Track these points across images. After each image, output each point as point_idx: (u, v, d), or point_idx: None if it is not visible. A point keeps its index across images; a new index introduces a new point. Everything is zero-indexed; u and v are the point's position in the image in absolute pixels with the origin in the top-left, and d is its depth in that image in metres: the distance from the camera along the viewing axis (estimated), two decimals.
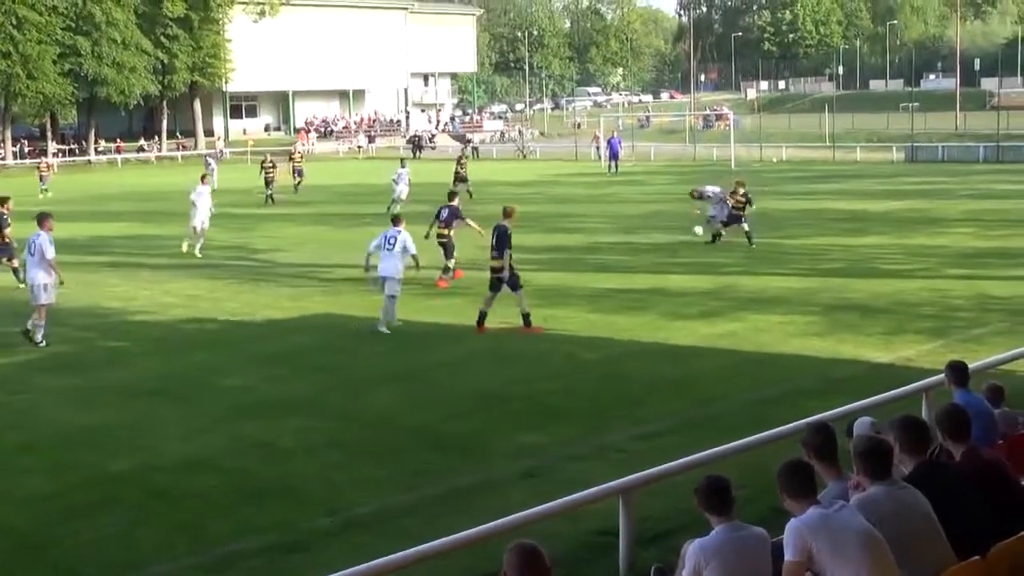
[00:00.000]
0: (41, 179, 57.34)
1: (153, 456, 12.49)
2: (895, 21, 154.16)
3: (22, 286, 23.67)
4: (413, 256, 19.69)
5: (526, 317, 18.76)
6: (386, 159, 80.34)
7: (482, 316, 18.82)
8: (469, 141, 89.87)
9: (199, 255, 29.57)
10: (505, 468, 11.72)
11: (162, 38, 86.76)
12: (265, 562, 9.63)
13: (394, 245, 19.27)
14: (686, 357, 16.74)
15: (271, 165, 46.53)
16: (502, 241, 18.78)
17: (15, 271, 25.01)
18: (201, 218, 30.31)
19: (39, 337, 18.78)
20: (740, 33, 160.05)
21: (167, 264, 28.60)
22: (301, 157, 54.43)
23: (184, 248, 30.20)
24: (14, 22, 77.40)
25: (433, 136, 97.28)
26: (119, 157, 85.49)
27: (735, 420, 12.66)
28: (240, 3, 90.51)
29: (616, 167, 60.57)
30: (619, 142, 63.88)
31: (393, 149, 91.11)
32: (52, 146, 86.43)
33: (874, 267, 24.84)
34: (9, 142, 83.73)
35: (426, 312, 20.53)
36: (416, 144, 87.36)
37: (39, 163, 64.92)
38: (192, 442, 12.97)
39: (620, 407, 14.06)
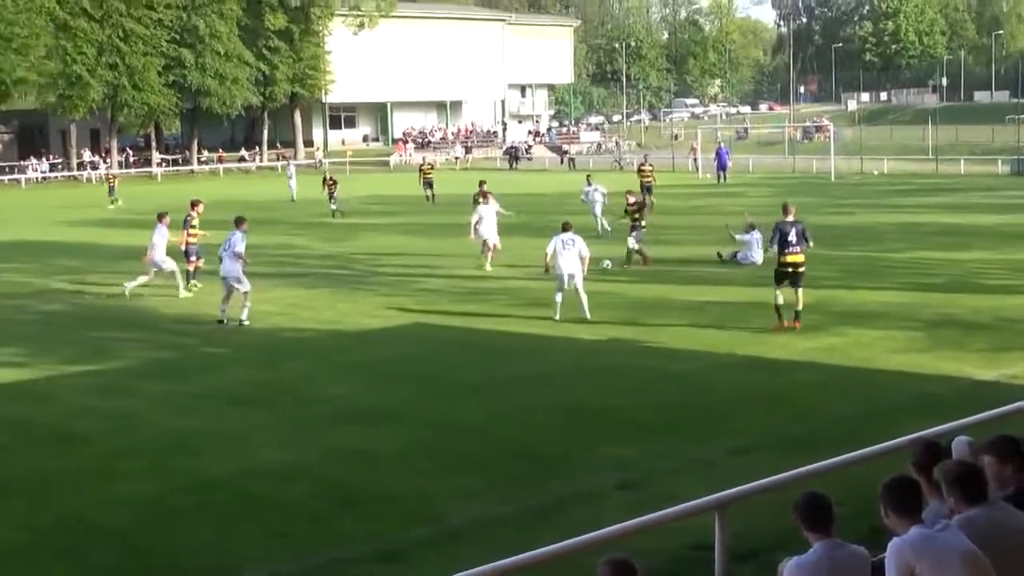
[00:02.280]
0: (110, 190, 57.81)
1: (250, 463, 12.64)
2: (1001, 31, 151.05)
3: (189, 293, 24.63)
4: (582, 258, 20.88)
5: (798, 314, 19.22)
6: (482, 170, 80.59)
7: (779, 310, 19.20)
8: (565, 152, 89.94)
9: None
10: (597, 481, 11.65)
11: (264, 50, 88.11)
12: (361, 572, 9.68)
13: (573, 245, 20.88)
14: (783, 371, 16.52)
15: (332, 181, 46.54)
16: (802, 236, 19.11)
17: (189, 273, 26.01)
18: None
19: (244, 315, 21.20)
20: (840, 44, 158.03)
21: (267, 273, 28.90)
22: (431, 168, 54.92)
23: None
24: (121, 35, 79.21)
25: (530, 147, 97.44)
26: (221, 167, 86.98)
27: (832, 436, 12.44)
28: (340, 15, 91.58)
29: (724, 177, 60.24)
30: (727, 152, 63.53)
31: (490, 160, 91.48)
32: (156, 156, 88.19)
33: (977, 282, 24.29)
34: (115, 152, 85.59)
35: (518, 323, 20.49)
36: (513, 155, 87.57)
37: (106, 174, 66.06)
38: (288, 450, 13.10)
39: (713, 421, 13.92)
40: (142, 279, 25.46)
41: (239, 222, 21.93)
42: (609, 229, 33.26)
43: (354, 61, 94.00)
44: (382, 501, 11.27)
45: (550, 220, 37.41)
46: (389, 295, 24.78)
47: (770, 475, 9.04)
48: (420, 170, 54.31)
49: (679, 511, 8.38)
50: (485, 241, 28.41)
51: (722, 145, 66.79)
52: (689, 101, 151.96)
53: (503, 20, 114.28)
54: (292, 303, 24.03)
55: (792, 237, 18.96)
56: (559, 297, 20.80)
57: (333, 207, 45.12)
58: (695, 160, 70.27)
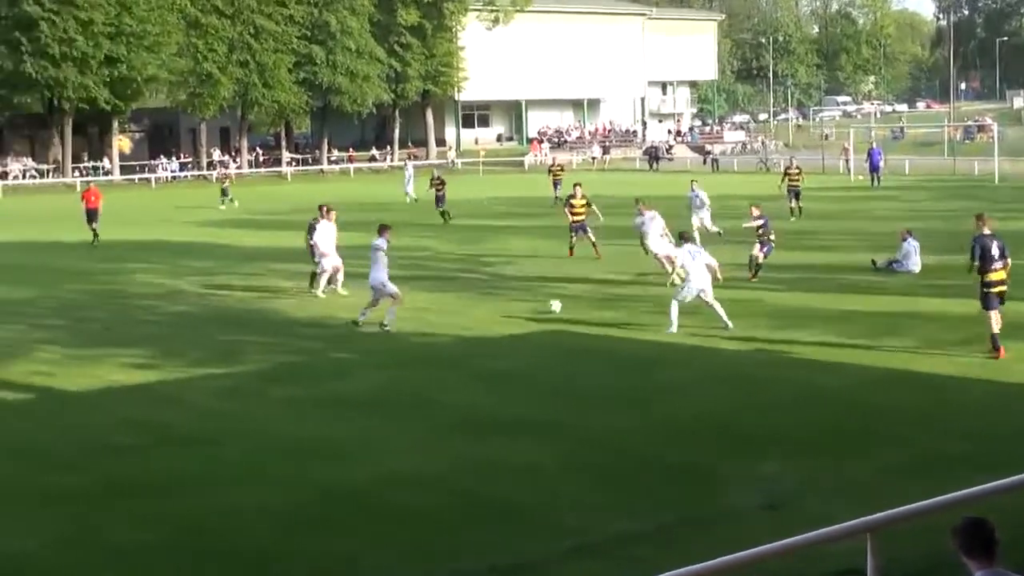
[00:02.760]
0: (223, 191, 57.57)
1: (378, 471, 12.82)
2: None
3: (320, 295, 25.61)
4: (710, 267, 20.74)
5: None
6: (621, 170, 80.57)
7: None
8: (708, 152, 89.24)
9: None
10: (740, 498, 11.55)
11: (395, 46, 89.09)
12: None
13: (700, 255, 20.81)
14: (941, 387, 16.16)
15: (440, 181, 46.52)
16: (1003, 251, 18.07)
17: (315, 276, 26.53)
18: None
19: (388, 320, 21.30)
20: (1006, 38, 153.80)
21: (395, 276, 29.22)
22: (561, 169, 55.07)
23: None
24: (252, 31, 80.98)
25: (671, 147, 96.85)
26: (351, 166, 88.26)
27: (995, 458, 12.13)
28: (474, 11, 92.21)
29: (878, 179, 59.23)
30: (880, 153, 62.35)
31: (628, 160, 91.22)
32: (286, 155, 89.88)
33: None
34: (245, 151, 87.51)
35: (657, 332, 20.38)
36: (653, 155, 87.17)
37: (221, 174, 66.97)
38: (417, 459, 13.25)
39: (863, 438, 13.68)
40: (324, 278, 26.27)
41: (382, 230, 22.36)
42: (720, 231, 32.64)
43: (488, 58, 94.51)
44: (514, 513, 11.34)
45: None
46: (522, 300, 24.88)
47: (924, 498, 8.86)
48: (549, 171, 54.55)
49: (829, 533, 8.25)
50: (656, 256, 27.78)
51: (875, 145, 65.43)
52: (841, 99, 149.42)
53: (644, 15, 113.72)
54: (421, 307, 24.25)
55: (995, 252, 17.90)
56: (676, 310, 20.38)
57: (440, 208, 45.07)
58: (847, 161, 69.01)
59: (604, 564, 9.81)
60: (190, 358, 19.57)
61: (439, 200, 45.39)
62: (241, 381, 17.84)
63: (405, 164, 64.44)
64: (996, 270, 17.89)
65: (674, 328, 20.21)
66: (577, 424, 14.66)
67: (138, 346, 20.71)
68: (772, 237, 27.30)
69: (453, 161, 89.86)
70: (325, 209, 27.10)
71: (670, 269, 26.17)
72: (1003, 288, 17.97)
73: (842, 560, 9.22)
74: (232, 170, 72.92)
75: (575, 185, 33.18)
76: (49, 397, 17.10)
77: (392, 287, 21.62)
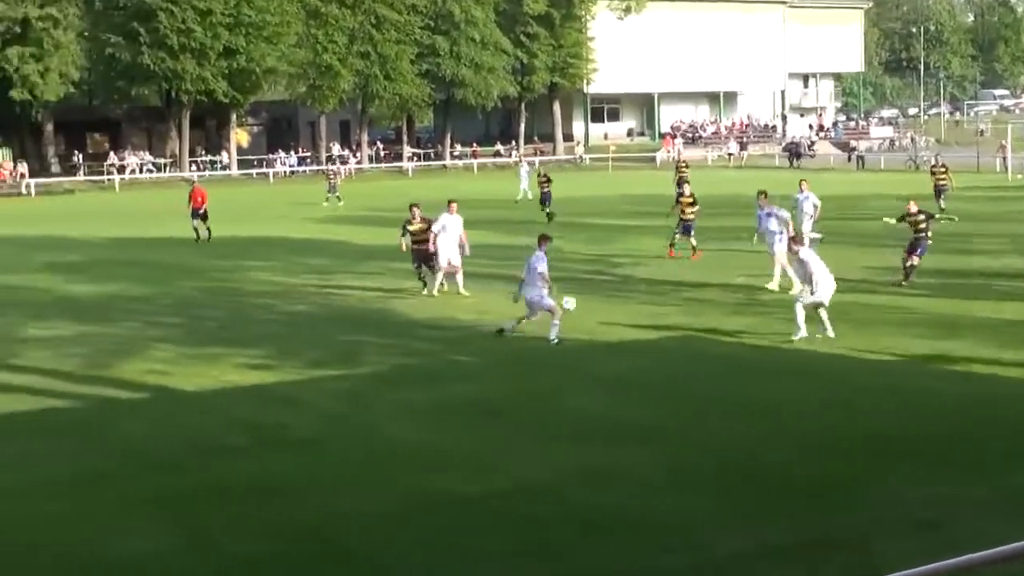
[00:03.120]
0: (331, 187, 57.13)
1: (496, 479, 12.86)
2: None
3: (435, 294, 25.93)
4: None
5: None
6: (760, 168, 79.72)
7: None
8: (853, 149, 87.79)
9: None
10: (888, 516, 11.27)
11: (522, 37, 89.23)
12: None
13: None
14: None
15: (546, 179, 46.29)
16: None
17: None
18: None
19: (552, 335, 20.55)
20: None
21: (519, 276, 29.30)
22: (686, 166, 54.55)
23: None
24: (373, 21, 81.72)
25: (812, 143, 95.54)
26: (475, 162, 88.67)
27: None
28: None
29: None
30: None
31: (767, 157, 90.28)
32: (407, 150, 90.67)
33: None
34: (365, 145, 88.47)
35: (784, 338, 20.05)
36: (793, 152, 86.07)
37: (328, 169, 67.41)
38: (535, 468, 13.22)
39: (1021, 453, 13.30)
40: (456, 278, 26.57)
41: (542, 240, 22.22)
42: (819, 236, 31.65)
43: (618, 49, 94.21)
44: (638, 526, 11.24)
45: (838, 226, 36.66)
46: (651, 304, 24.74)
47: None
48: (676, 168, 53.89)
49: (992, 555, 8.00)
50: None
51: None
52: (998, 92, 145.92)
53: (784, 3, 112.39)
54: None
55: None
56: (801, 314, 19.98)
57: (546, 208, 44.84)
58: (1004, 159, 67.47)
59: None
60: (307, 359, 19.81)
61: (544, 198, 45.36)
62: (358, 383, 17.99)
63: (520, 163, 64.41)
64: None
65: (803, 333, 19.85)
66: (707, 434, 14.52)
67: (254, 346, 21.04)
68: (930, 236, 26.73)
69: (581, 157, 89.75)
70: (450, 202, 27.56)
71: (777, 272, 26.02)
72: None
73: None
74: (340, 167, 73.38)
75: (685, 184, 32.79)
76: (163, 397, 17.44)
77: (549, 301, 21.10)
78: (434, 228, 26.40)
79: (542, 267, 21.35)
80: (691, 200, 32.24)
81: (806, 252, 20.66)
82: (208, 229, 39.87)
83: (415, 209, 27.22)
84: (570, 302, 21.78)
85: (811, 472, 12.85)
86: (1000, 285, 26.08)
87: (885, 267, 28.51)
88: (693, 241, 31.68)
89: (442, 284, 26.58)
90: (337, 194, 56.50)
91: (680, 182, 49.61)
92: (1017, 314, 22.29)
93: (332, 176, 59.28)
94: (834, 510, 11.61)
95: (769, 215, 26.89)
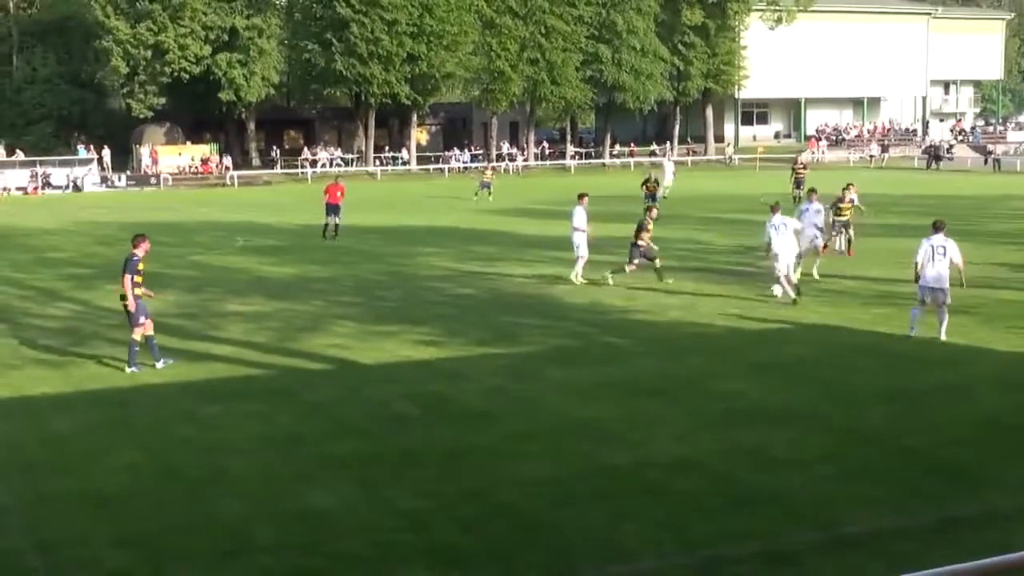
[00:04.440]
0: (484, 184, 56.67)
1: (646, 453, 12.86)
2: None
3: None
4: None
5: None
6: (900, 169, 77.85)
7: None
8: (990, 153, 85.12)
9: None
10: (1008, 501, 10.99)
11: (679, 45, 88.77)
12: (748, 571, 9.63)
13: (944, 254, 18.90)
14: None
15: (653, 181, 44.98)
16: None
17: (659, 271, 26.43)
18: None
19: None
20: None
21: (669, 266, 29.19)
22: (804, 167, 53.29)
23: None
24: (542, 31, 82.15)
25: (951, 147, 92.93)
26: (631, 161, 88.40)
27: None
28: (757, 11, 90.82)
29: None
30: None
31: (907, 159, 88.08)
32: (570, 149, 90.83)
33: None
34: (532, 144, 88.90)
35: (929, 330, 19.57)
36: (933, 155, 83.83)
37: (485, 166, 67.23)
38: (684, 443, 13.20)
39: None
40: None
41: (774, 209, 23.63)
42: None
43: (768, 56, 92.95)
44: (775, 502, 11.15)
45: (971, 225, 35.66)
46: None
47: None
48: (792, 169, 52.17)
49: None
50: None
51: None
52: None
53: (928, 14, 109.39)
54: (693, 296, 24.11)
55: None
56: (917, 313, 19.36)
57: (651, 203, 43.25)
58: None
59: (863, 558, 9.52)
60: (472, 337, 20.04)
61: (650, 197, 43.43)
62: (519, 361, 18.13)
63: (667, 159, 63.77)
64: None
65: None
66: (844, 418, 14.29)
67: (425, 324, 21.36)
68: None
69: (731, 157, 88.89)
70: (580, 195, 27.55)
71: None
72: None
73: None
74: (495, 165, 73.62)
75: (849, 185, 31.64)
76: (344, 368, 17.83)
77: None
78: (574, 222, 26.66)
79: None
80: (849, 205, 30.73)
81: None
82: (337, 226, 37.77)
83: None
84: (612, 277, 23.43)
85: (948, 458, 12.57)
86: None
87: (1016, 264, 27.66)
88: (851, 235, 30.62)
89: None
90: (489, 191, 55.89)
91: (798, 182, 48.29)
92: None
93: (489, 174, 58.83)
94: (968, 493, 11.36)
95: (817, 211, 26.50)
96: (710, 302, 23.46)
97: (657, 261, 26.39)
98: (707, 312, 22.28)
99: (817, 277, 26.07)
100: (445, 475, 12.17)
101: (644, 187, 44.53)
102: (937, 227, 19.26)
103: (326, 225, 37.92)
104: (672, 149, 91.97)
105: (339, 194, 38.13)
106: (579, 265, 26.62)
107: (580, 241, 26.65)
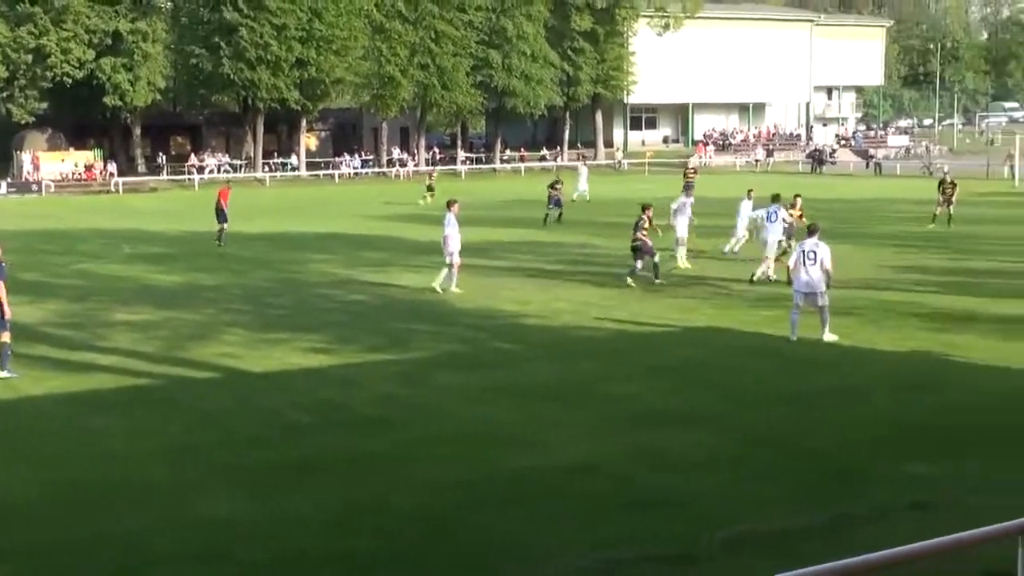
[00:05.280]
0: (430, 187, 56.91)
1: (547, 456, 12.91)
2: None
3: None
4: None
5: None
6: (785, 173, 79.23)
7: None
8: (871, 157, 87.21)
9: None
10: (894, 498, 11.26)
11: (569, 51, 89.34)
12: (651, 572, 9.72)
13: (814, 259, 19.22)
14: None
15: (558, 183, 45.51)
16: None
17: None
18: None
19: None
20: None
21: (560, 271, 29.40)
22: (695, 172, 54.19)
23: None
24: (433, 36, 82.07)
25: (834, 151, 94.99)
26: (522, 166, 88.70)
27: None
28: (645, 16, 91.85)
29: None
30: None
31: (791, 163, 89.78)
32: (461, 154, 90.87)
33: None
34: (423, 149, 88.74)
35: (816, 331, 19.98)
36: (816, 159, 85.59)
37: (430, 171, 67.39)
38: (582, 446, 13.27)
39: (1022, 442, 13.21)
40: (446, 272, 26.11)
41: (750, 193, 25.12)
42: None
43: (657, 62, 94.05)
44: (676, 504, 11.27)
45: (855, 228, 36.42)
46: (683, 297, 24.71)
47: None
48: (684, 174, 53.03)
49: (978, 535, 8.01)
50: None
51: None
52: (1008, 105, 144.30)
53: (811, 20, 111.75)
54: (583, 301, 24.29)
55: None
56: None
57: (554, 209, 43.59)
58: (1011, 167, 66.89)
59: (759, 558, 9.66)
60: (364, 344, 19.94)
61: (555, 201, 43.90)
62: (411, 367, 18.09)
63: (581, 165, 64.10)
64: None
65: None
66: (739, 419, 14.50)
67: (316, 331, 21.18)
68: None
69: (620, 162, 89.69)
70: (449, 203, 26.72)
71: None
72: None
73: (992, 563, 8.92)
74: (435, 170, 73.58)
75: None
76: (234, 377, 17.60)
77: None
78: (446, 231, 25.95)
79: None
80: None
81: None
82: (221, 230, 37.42)
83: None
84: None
85: (836, 456, 12.82)
86: (1005, 283, 25.85)
87: (898, 266, 28.36)
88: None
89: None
90: (433, 193, 55.92)
91: (688, 187, 49.12)
92: (1017, 309, 22.12)
93: (431, 177, 59.49)
94: (855, 491, 11.59)
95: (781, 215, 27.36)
96: (601, 306, 23.64)
97: (657, 256, 26.86)
98: (598, 316, 22.45)
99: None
100: (346, 482, 12.08)
101: (550, 189, 44.84)
102: (811, 231, 19.84)
103: (220, 230, 37.67)
104: (563, 153, 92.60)
105: (224, 199, 37.97)
106: (449, 273, 25.94)
107: (454, 248, 25.97)
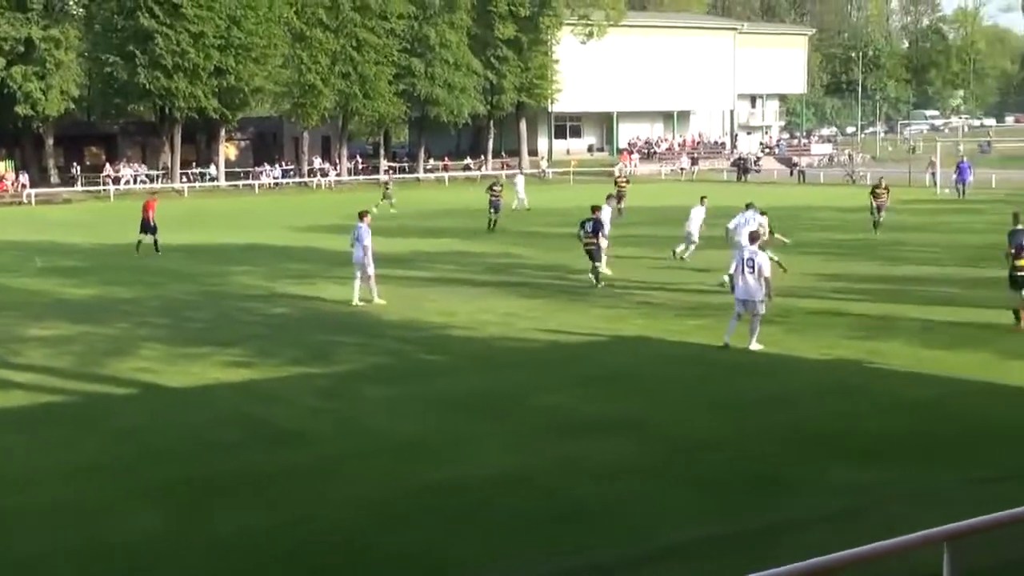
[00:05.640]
0: (385, 195, 58.77)
1: (471, 468, 12.88)
2: None
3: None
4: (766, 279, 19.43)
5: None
6: (710, 181, 79.99)
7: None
8: (795, 165, 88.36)
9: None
10: (820, 506, 11.38)
11: (492, 59, 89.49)
12: None
13: (752, 268, 19.33)
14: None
15: (498, 188, 46.19)
16: None
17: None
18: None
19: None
20: None
21: (486, 281, 29.40)
22: (626, 181, 54.70)
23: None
24: (354, 44, 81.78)
25: (758, 159, 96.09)
26: (446, 175, 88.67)
27: None
28: (569, 24, 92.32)
29: (963, 192, 58.67)
30: (969, 167, 61.92)
31: (716, 172, 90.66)
32: (384, 163, 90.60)
33: None
34: (345, 159, 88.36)
35: (742, 339, 20.17)
36: (741, 167, 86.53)
37: (387, 180, 67.77)
38: (507, 458, 13.27)
39: (947, 449, 13.44)
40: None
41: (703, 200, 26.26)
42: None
43: (581, 70, 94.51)
44: (602, 515, 11.29)
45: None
46: (609, 307, 24.80)
47: (1016, 505, 8.65)
48: (615, 182, 53.60)
49: (904, 542, 8.11)
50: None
51: (964, 160, 64.77)
52: (929, 113, 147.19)
53: (735, 29, 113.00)
54: (509, 312, 24.31)
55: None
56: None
57: (493, 215, 44.43)
58: (933, 175, 68.10)
59: (683, 569, 9.71)
60: (286, 357, 19.78)
61: (494, 207, 44.58)
62: (336, 380, 17.99)
63: (517, 174, 64.81)
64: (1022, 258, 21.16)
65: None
66: (666, 428, 14.59)
67: (237, 346, 20.97)
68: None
69: (544, 171, 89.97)
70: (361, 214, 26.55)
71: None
72: None
73: (919, 570, 9.02)
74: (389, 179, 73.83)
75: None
76: (152, 393, 17.37)
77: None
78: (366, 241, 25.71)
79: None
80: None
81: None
82: (156, 241, 37.88)
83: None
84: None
85: (761, 465, 12.91)
86: (924, 290, 26.28)
87: (823, 274, 28.73)
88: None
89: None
90: (392, 200, 57.30)
91: (619, 196, 49.74)
92: (940, 316, 22.50)
93: (387, 185, 60.72)
94: (780, 500, 11.70)
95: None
96: (528, 317, 23.67)
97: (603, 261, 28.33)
98: (525, 327, 22.47)
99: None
100: (266, 499, 11.95)
101: (490, 193, 45.22)
102: (751, 238, 20.18)
103: (139, 242, 37.79)
104: (487, 162, 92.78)
105: (150, 210, 38.35)
106: (364, 284, 25.70)
107: (369, 260, 25.64)
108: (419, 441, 14.09)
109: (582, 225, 28.51)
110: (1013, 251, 21.36)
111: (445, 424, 14.99)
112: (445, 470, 12.83)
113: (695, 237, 31.82)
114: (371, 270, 25.72)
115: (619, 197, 49.76)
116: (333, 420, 15.37)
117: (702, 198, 32.90)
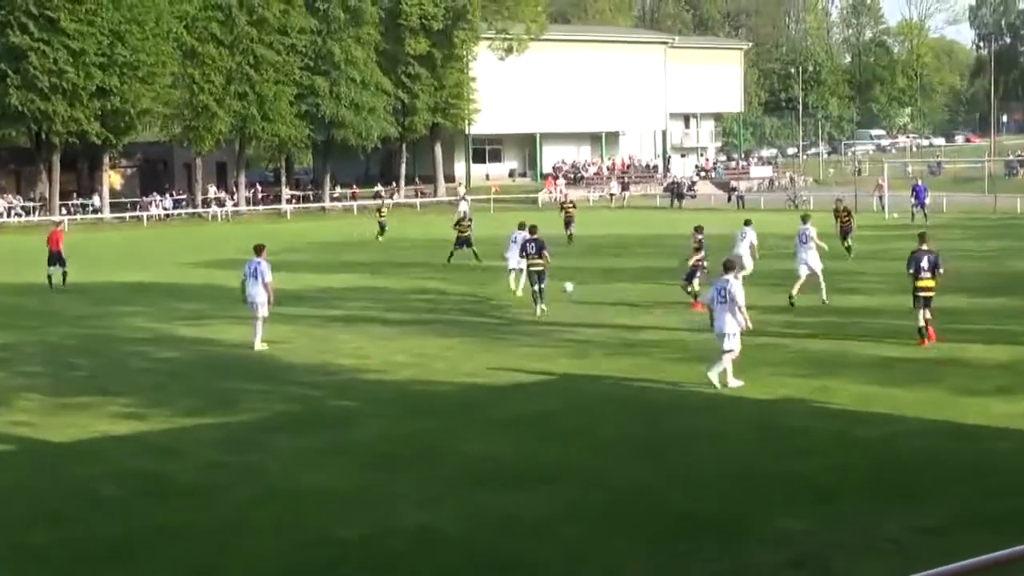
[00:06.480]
0: (381, 225, 58.84)
1: (385, 522, 12.88)
2: None
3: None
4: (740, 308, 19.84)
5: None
6: (642, 208, 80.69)
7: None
8: (734, 189, 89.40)
9: None
10: (766, 556, 11.54)
11: (403, 77, 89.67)
12: None
13: (724, 298, 19.74)
14: (979, 438, 16.16)
15: (469, 223, 46.07)
16: (934, 265, 23.59)
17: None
18: None
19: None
20: None
21: (400, 319, 29.40)
22: (573, 205, 55.67)
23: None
24: (251, 62, 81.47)
25: (694, 183, 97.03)
26: (354, 204, 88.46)
27: None
28: (486, 39, 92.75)
29: (925, 215, 59.50)
30: (925, 189, 63.06)
31: (649, 197, 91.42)
32: (286, 192, 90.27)
33: None
34: (243, 187, 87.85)
35: (678, 376, 20.37)
36: (675, 192, 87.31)
37: (380, 205, 67.62)
38: (425, 510, 13.29)
39: (898, 493, 13.68)
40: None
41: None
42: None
43: (500, 89, 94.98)
44: (526, 569, 11.36)
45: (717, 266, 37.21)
46: (534, 346, 24.92)
47: (966, 557, 8.84)
48: (562, 207, 55.96)
49: None
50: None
51: (919, 182, 65.88)
52: (874, 132, 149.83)
53: (665, 43, 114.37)
54: (425, 353, 24.33)
55: (924, 264, 23.46)
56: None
57: (469, 250, 44.54)
58: (880, 198, 69.19)
59: None
60: (183, 406, 19.62)
61: (466, 243, 44.67)
62: (237, 430, 17.89)
63: (462, 199, 66.17)
64: (924, 279, 23.42)
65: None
66: (597, 474, 14.69)
67: (126, 394, 20.78)
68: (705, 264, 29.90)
69: (463, 197, 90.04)
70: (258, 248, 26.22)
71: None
72: (929, 294, 23.45)
73: None
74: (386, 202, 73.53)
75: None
76: (32, 448, 17.16)
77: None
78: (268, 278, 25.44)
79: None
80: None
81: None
82: (64, 274, 39.05)
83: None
84: (570, 285, 27.40)
85: (701, 511, 13.07)
86: (875, 323, 26.72)
87: (769, 306, 29.06)
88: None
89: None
90: (386, 229, 58.30)
91: (568, 222, 51.23)
92: (896, 351, 22.90)
93: (381, 213, 60.92)
94: (722, 548, 11.83)
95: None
96: (445, 358, 23.72)
97: (545, 282, 29.50)
98: (442, 368, 22.52)
99: None
100: (163, 559, 11.87)
101: (457, 227, 45.25)
102: (726, 267, 20.55)
103: (49, 277, 39.10)
104: (399, 189, 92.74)
105: (57, 242, 39.39)
106: (259, 327, 25.44)
107: (264, 300, 25.25)
108: (328, 494, 14.07)
109: (524, 247, 29.97)
110: (912, 271, 23.64)
111: (356, 475, 14.98)
112: (356, 525, 12.81)
113: (746, 262, 32.42)
114: (265, 311, 25.45)
115: (566, 222, 51.05)
116: (233, 473, 15.28)
117: (746, 221, 34.06)
